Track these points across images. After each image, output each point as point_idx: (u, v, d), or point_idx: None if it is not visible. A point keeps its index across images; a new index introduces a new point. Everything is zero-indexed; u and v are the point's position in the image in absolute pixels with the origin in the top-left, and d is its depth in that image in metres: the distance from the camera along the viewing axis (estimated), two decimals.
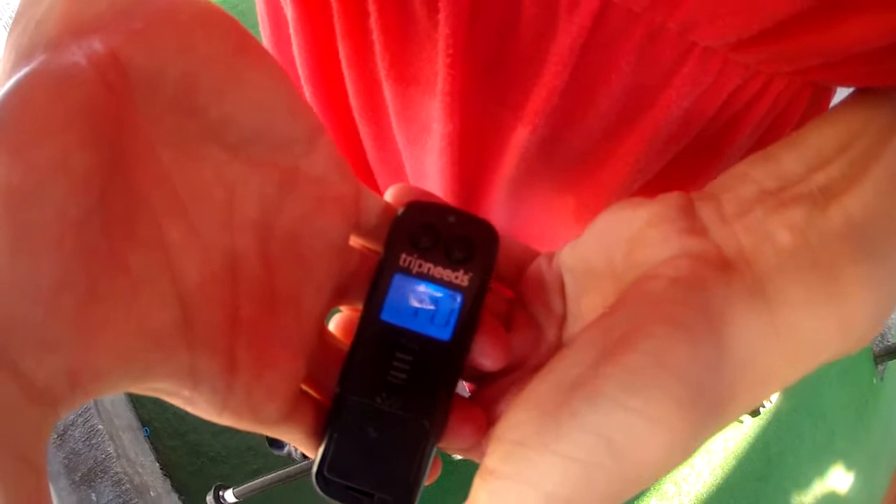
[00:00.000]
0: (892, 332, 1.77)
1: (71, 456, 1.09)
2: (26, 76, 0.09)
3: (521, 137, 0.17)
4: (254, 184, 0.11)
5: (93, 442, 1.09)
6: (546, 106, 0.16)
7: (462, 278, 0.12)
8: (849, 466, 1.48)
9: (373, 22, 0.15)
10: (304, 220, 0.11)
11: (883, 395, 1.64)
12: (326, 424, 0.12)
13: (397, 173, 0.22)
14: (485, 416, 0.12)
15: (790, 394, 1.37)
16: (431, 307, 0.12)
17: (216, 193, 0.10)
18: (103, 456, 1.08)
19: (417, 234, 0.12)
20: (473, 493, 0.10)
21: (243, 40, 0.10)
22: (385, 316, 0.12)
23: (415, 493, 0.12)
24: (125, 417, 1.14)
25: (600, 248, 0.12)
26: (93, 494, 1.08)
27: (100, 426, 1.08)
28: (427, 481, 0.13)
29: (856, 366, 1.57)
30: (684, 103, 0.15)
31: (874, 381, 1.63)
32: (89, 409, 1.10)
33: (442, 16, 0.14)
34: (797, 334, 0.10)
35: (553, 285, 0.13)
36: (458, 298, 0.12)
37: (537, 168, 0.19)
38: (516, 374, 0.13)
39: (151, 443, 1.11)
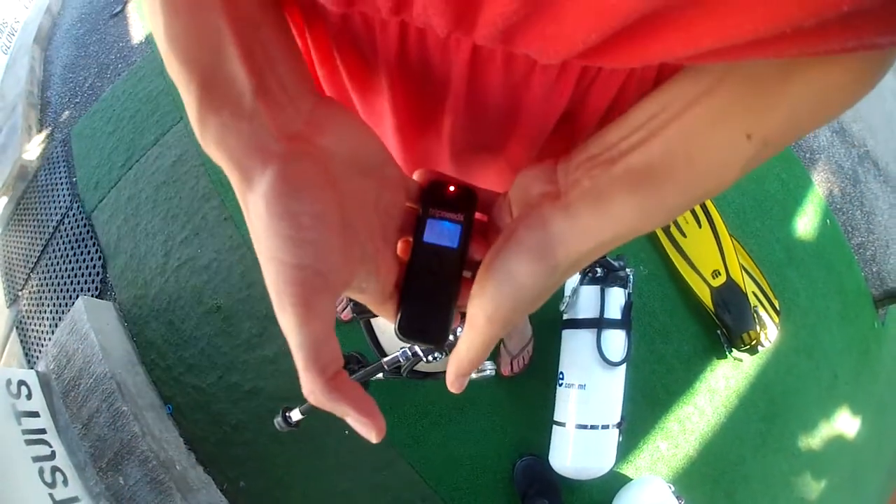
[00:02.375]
0: (892, 276, 1.79)
1: (97, 443, 1.11)
2: (281, 172, 0.18)
3: (447, 123, 0.28)
4: (373, 187, 0.21)
5: (118, 424, 1.11)
6: (458, 103, 0.26)
7: (459, 216, 0.23)
8: (855, 411, 1.49)
9: (342, 71, 0.27)
10: (391, 199, 0.22)
11: (885, 340, 1.65)
12: (400, 300, 0.22)
13: None
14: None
15: (788, 334, 1.40)
16: (446, 231, 0.22)
17: (368, 197, 0.21)
18: (129, 437, 1.10)
19: (436, 196, 0.23)
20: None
21: (362, 124, 0.21)
22: (425, 238, 0.22)
23: (447, 332, 0.22)
24: (148, 397, 1.18)
25: (518, 191, 0.22)
26: (120, 478, 1.10)
27: (124, 408, 1.12)
28: (455, 324, 0.23)
29: (854, 309, 1.59)
30: (542, 93, 0.24)
31: (875, 324, 1.65)
32: (113, 392, 1.14)
33: (382, 70, 0.25)
34: (588, 229, 0.19)
35: (507, 211, 0.23)
36: (459, 227, 0.22)
37: (469, 141, 0.30)
38: None
39: (175, 419, 1.16)
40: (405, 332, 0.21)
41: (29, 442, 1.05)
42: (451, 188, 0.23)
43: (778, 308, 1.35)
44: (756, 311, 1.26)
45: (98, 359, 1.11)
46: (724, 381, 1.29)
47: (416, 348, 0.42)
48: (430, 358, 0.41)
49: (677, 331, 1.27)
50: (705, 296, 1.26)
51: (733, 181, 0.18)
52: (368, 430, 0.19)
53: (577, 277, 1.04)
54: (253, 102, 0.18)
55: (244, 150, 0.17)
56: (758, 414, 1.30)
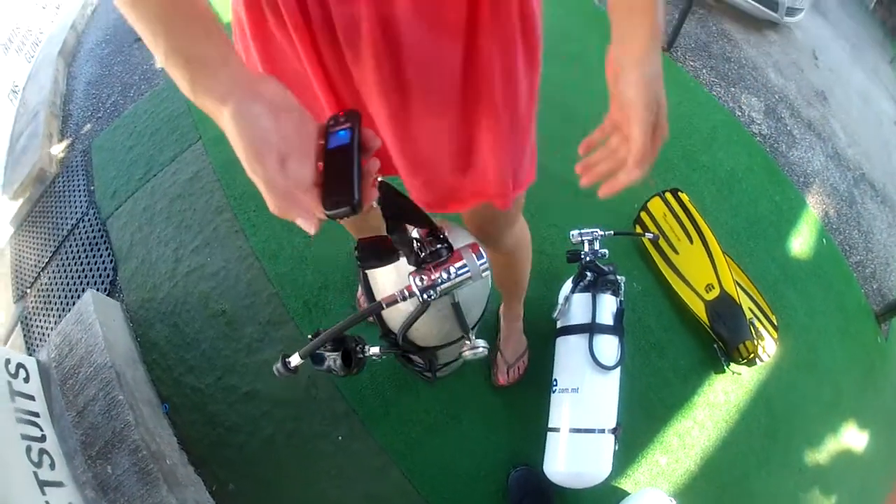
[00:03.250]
0: (894, 292, 1.77)
1: (89, 431, 1.07)
2: (243, 103, 0.32)
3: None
4: (297, 120, 0.34)
5: (112, 413, 1.08)
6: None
7: (347, 125, 0.36)
8: (862, 426, 1.45)
9: (272, 26, 0.44)
10: (309, 133, 0.35)
11: (890, 355, 1.62)
12: (322, 187, 0.34)
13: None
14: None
15: (788, 350, 1.38)
16: (340, 137, 0.35)
17: (295, 123, 0.34)
18: (122, 426, 1.06)
19: (332, 122, 0.36)
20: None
21: (284, 87, 0.35)
22: (329, 147, 0.35)
23: (354, 192, 0.33)
24: (145, 393, 1.18)
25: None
26: (108, 467, 1.05)
27: (120, 397, 1.08)
28: (367, 202, 0.35)
29: (855, 325, 1.57)
30: None
31: (878, 339, 1.62)
32: (111, 381, 1.12)
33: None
34: (629, 33, 0.39)
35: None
36: (348, 131, 0.35)
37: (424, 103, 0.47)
38: None
39: (170, 418, 1.16)
40: (326, 203, 0.33)
41: (20, 420, 1.00)
42: (342, 118, 0.36)
43: (776, 323, 1.35)
44: (752, 324, 1.26)
45: (100, 349, 1.11)
46: (723, 396, 1.27)
47: (413, 287, 0.48)
48: (426, 296, 0.47)
49: (673, 346, 1.27)
50: (700, 310, 1.27)
51: None
52: (310, 223, 0.33)
53: (568, 285, 1.06)
54: (225, 65, 0.33)
55: (223, 91, 0.32)
56: (760, 429, 1.28)
